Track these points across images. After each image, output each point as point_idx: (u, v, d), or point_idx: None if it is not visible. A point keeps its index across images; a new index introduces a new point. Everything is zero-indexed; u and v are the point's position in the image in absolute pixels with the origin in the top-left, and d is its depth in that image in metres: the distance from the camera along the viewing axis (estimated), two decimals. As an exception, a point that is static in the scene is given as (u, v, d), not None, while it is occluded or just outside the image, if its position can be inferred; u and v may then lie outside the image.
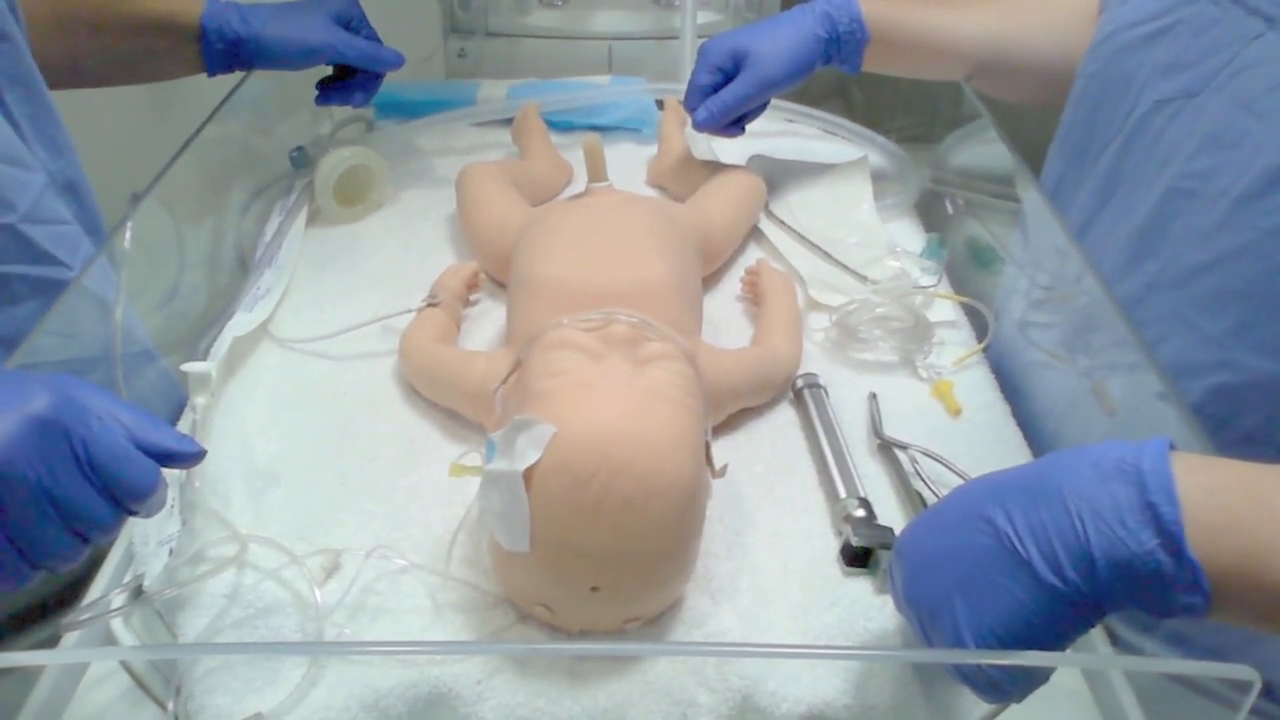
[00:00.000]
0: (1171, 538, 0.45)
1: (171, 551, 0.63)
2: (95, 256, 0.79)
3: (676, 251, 0.78)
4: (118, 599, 0.64)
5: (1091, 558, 0.46)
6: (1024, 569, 0.47)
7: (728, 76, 0.92)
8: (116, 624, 0.66)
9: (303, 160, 1.04)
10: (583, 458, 0.55)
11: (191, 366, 0.68)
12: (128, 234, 0.77)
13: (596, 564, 0.56)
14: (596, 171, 0.81)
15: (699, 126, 0.93)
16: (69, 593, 0.71)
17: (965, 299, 0.88)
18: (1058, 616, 0.47)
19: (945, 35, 0.93)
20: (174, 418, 0.79)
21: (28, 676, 0.64)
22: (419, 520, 0.68)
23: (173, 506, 0.66)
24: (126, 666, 0.64)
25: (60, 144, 0.84)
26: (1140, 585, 0.46)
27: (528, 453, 0.56)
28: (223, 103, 0.98)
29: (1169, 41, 0.76)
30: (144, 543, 0.66)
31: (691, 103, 0.94)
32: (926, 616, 0.51)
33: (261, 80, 1.02)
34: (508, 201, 0.93)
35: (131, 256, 0.81)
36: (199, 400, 0.68)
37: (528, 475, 0.55)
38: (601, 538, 0.56)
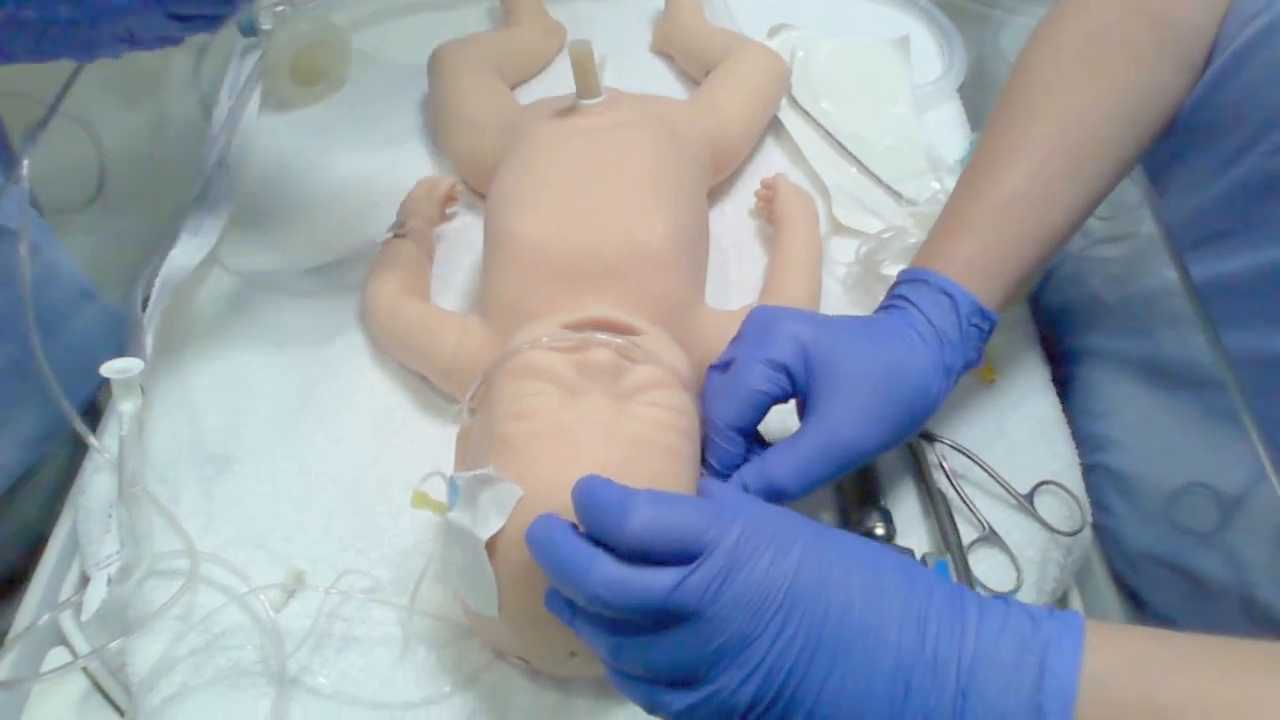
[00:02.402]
0: None
1: (110, 580, 0.57)
2: (2, 190, 0.68)
3: (680, 193, 0.66)
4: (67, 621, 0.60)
5: None
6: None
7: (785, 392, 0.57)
8: (71, 629, 0.62)
9: (252, 29, 0.90)
10: None
11: (112, 368, 0.58)
12: (25, 165, 0.65)
13: (571, 635, 0.50)
14: (586, 87, 0.68)
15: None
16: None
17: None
18: None
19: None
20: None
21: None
22: (388, 528, 0.62)
23: (110, 518, 0.59)
24: (89, 672, 0.60)
25: None
26: None
27: (491, 517, 0.48)
28: None
29: None
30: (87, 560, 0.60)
31: (719, 444, 0.57)
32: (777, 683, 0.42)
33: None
34: (485, 99, 0.80)
35: (57, 176, 0.70)
36: (125, 407, 0.59)
37: (491, 542, 0.48)
38: None
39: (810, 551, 0.42)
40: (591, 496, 0.43)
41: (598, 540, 0.43)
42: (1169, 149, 0.67)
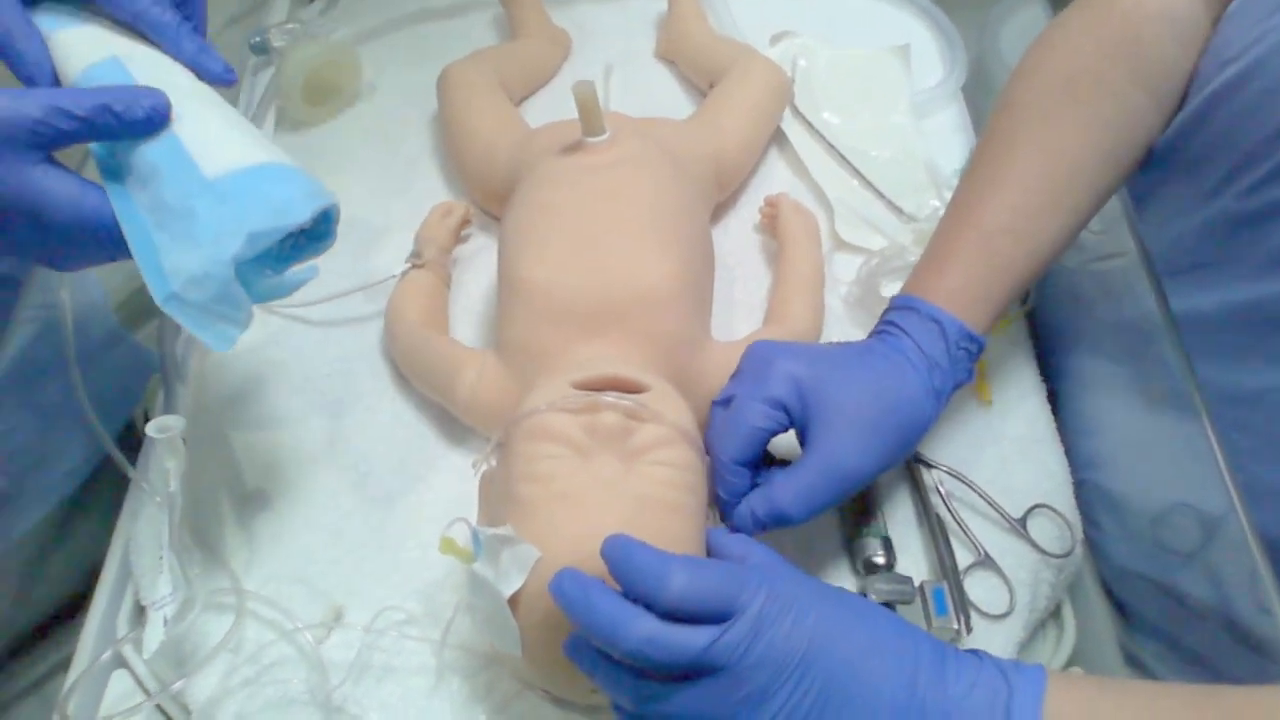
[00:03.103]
0: None
1: (167, 620, 0.61)
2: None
3: (682, 230, 0.68)
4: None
5: None
6: None
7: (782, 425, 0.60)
8: (133, 659, 0.66)
9: (263, 49, 0.92)
10: None
11: (155, 427, 0.62)
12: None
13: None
14: (591, 125, 0.70)
15: (736, 525, 0.59)
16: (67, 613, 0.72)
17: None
18: None
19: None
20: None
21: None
22: (417, 560, 0.66)
23: (161, 559, 0.64)
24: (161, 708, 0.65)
25: None
26: None
27: (512, 576, 0.53)
28: None
29: None
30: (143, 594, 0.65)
31: (726, 474, 0.60)
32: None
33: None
34: (494, 123, 0.82)
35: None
36: (171, 465, 0.63)
37: (513, 595, 0.53)
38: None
39: (822, 616, 0.48)
40: (629, 559, 0.48)
41: (633, 597, 0.48)
42: (1150, 180, 0.70)
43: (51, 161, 0.50)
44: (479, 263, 0.81)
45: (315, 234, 0.54)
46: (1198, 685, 0.53)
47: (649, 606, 0.47)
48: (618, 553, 0.48)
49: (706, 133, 0.80)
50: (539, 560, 0.52)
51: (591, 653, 0.50)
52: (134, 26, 0.56)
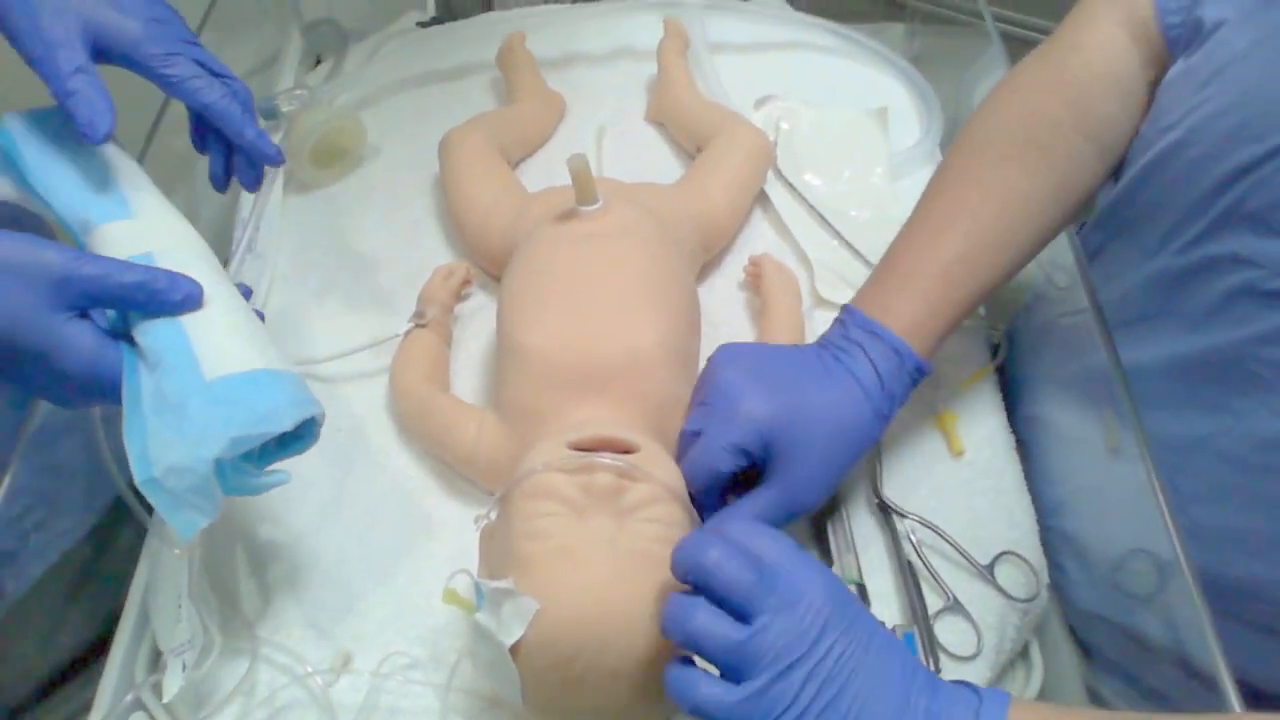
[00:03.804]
0: None
1: (185, 665, 0.65)
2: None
3: (671, 295, 0.73)
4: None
5: None
6: None
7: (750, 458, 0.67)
8: (152, 703, 0.70)
9: (273, 113, 0.96)
10: (566, 638, 0.56)
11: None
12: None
13: (591, 718, 0.59)
14: (584, 195, 0.75)
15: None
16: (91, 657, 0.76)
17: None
18: None
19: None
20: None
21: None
22: (421, 607, 0.70)
23: (179, 608, 0.68)
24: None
25: None
26: None
27: (513, 627, 0.56)
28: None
29: None
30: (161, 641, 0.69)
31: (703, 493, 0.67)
32: None
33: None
34: (493, 188, 0.86)
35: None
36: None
37: (514, 647, 0.56)
38: (591, 701, 0.57)
39: (846, 639, 0.51)
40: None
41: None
42: (1101, 237, 0.76)
43: (81, 315, 0.56)
44: (479, 321, 0.85)
45: (297, 435, 0.59)
46: (1145, 714, 0.58)
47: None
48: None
49: (694, 197, 0.85)
50: (538, 612, 0.56)
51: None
52: (203, 115, 0.65)
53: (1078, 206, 0.74)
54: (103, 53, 0.63)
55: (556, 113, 1.00)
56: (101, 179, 0.64)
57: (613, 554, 0.58)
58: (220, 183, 0.73)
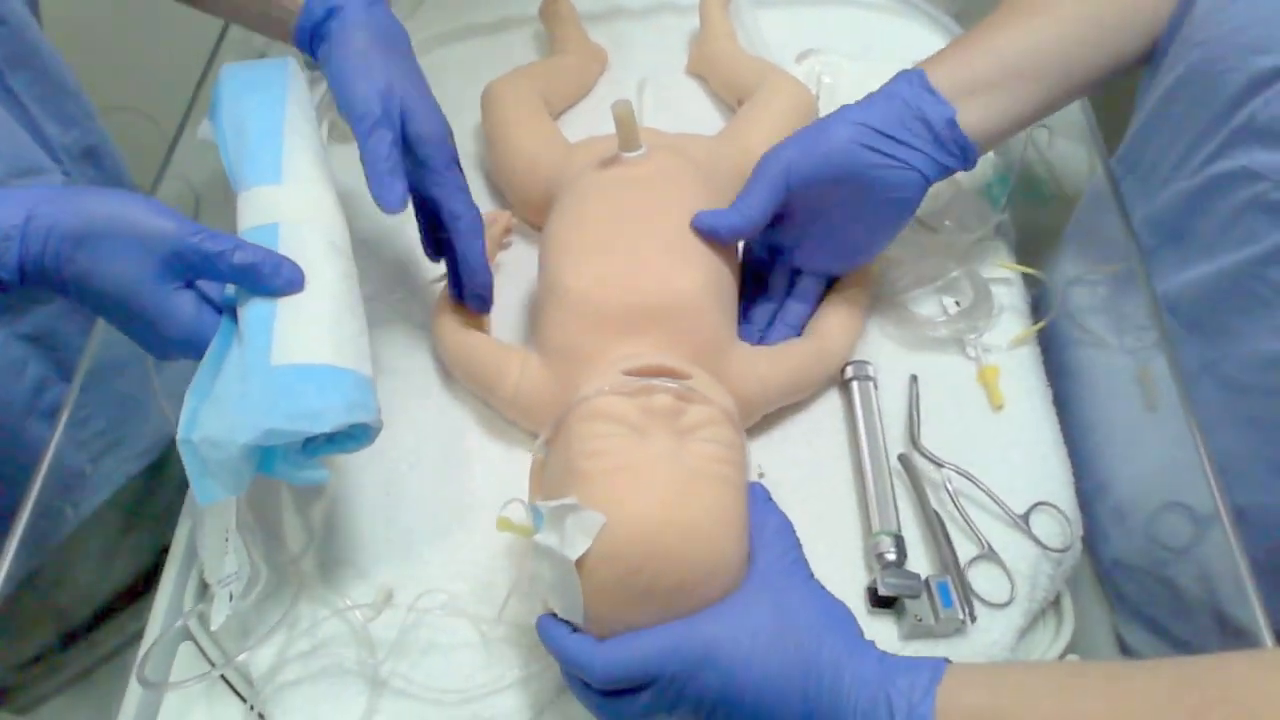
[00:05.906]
0: None
1: (232, 596, 0.67)
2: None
3: (714, 241, 0.74)
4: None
5: None
6: None
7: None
8: (200, 633, 0.72)
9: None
10: (631, 549, 0.56)
11: None
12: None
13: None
14: (628, 141, 0.75)
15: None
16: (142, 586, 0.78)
17: (1028, 270, 0.83)
18: None
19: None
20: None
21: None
22: (463, 544, 0.72)
23: (227, 541, 0.70)
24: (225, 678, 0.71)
25: (73, 114, 0.81)
26: None
27: (577, 541, 0.57)
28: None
29: None
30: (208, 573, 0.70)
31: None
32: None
33: None
34: (535, 138, 0.87)
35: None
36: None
37: (578, 561, 0.57)
38: (654, 615, 0.58)
39: (725, 674, 0.56)
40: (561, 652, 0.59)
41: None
42: (1127, 164, 0.77)
43: (187, 284, 0.59)
44: (520, 269, 0.86)
45: (350, 435, 0.60)
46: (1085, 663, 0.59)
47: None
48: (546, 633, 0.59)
49: (734, 149, 0.84)
50: (604, 525, 0.56)
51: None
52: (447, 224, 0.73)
53: (1137, 52, 0.73)
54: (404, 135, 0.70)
55: (599, 65, 1.00)
56: (269, 142, 0.66)
57: (675, 471, 0.59)
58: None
